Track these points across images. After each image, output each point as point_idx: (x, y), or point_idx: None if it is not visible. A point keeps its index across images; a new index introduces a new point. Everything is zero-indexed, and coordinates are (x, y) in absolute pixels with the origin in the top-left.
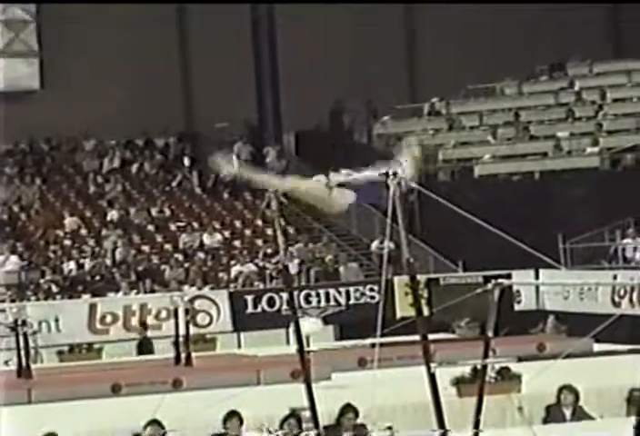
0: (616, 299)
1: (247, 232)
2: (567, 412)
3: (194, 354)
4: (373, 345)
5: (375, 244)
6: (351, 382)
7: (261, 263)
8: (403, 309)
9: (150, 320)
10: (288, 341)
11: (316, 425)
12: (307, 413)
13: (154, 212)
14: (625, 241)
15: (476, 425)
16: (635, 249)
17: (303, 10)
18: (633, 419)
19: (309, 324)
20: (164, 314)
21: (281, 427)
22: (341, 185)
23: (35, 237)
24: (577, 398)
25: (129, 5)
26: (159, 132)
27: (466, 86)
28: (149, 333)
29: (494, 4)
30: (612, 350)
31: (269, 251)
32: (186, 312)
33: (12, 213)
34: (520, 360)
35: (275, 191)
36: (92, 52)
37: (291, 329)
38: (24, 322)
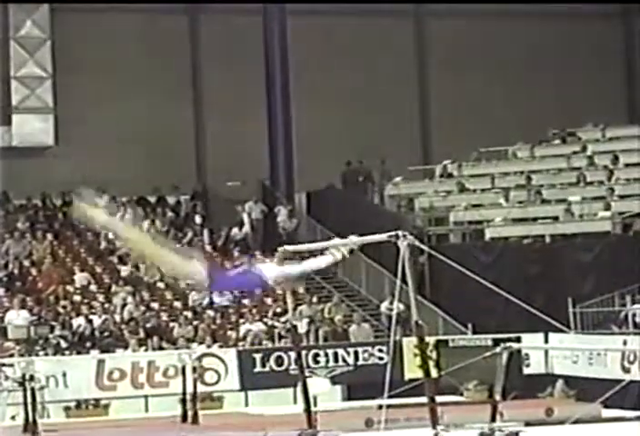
0: (626, 364)
1: (257, 290)
2: None
3: (200, 412)
4: (380, 406)
5: (384, 305)
6: None
7: (270, 322)
8: (411, 370)
9: (158, 377)
10: (296, 401)
11: None
12: None
13: (164, 269)
14: (635, 306)
15: None
16: None
17: (317, 72)
18: None
19: (317, 384)
20: (171, 372)
21: None
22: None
23: (46, 292)
24: None
25: (145, 64)
26: (171, 189)
27: (478, 149)
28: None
29: (508, 69)
30: (620, 416)
31: (278, 310)
32: (194, 369)
33: (22, 268)
34: (528, 424)
35: (283, 249)
36: (106, 109)
37: (299, 388)
38: (31, 377)
